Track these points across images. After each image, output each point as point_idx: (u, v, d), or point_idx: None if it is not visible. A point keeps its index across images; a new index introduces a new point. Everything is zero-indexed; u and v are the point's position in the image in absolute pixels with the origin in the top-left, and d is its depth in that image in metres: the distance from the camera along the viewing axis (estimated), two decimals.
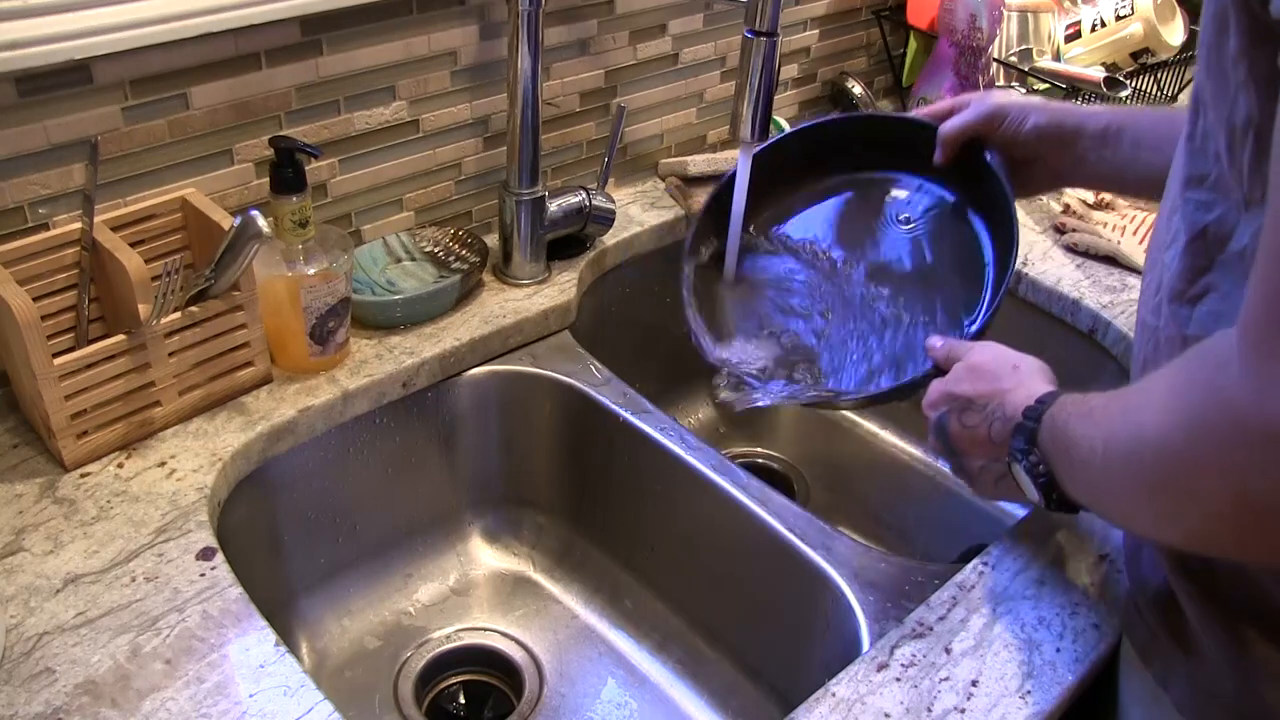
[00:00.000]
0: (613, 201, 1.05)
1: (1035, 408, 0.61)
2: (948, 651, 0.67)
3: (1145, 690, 0.63)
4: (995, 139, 0.82)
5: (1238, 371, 0.41)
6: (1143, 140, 0.76)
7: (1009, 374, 0.67)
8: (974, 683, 0.65)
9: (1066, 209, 1.16)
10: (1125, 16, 1.29)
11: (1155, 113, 0.79)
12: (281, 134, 0.86)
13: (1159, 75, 1.33)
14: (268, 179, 0.81)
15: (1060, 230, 1.12)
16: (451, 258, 0.99)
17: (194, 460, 0.78)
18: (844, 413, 1.25)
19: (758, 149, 0.89)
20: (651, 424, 0.89)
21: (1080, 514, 0.78)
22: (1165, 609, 0.61)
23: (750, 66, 0.87)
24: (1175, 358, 0.48)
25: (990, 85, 1.14)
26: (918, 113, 0.88)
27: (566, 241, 1.04)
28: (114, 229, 0.78)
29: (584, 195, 1.03)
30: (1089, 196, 1.18)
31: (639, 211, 1.13)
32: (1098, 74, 1.21)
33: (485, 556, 1.02)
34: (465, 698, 0.93)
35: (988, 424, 0.66)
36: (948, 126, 0.83)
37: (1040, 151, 0.81)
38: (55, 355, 0.72)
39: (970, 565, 0.74)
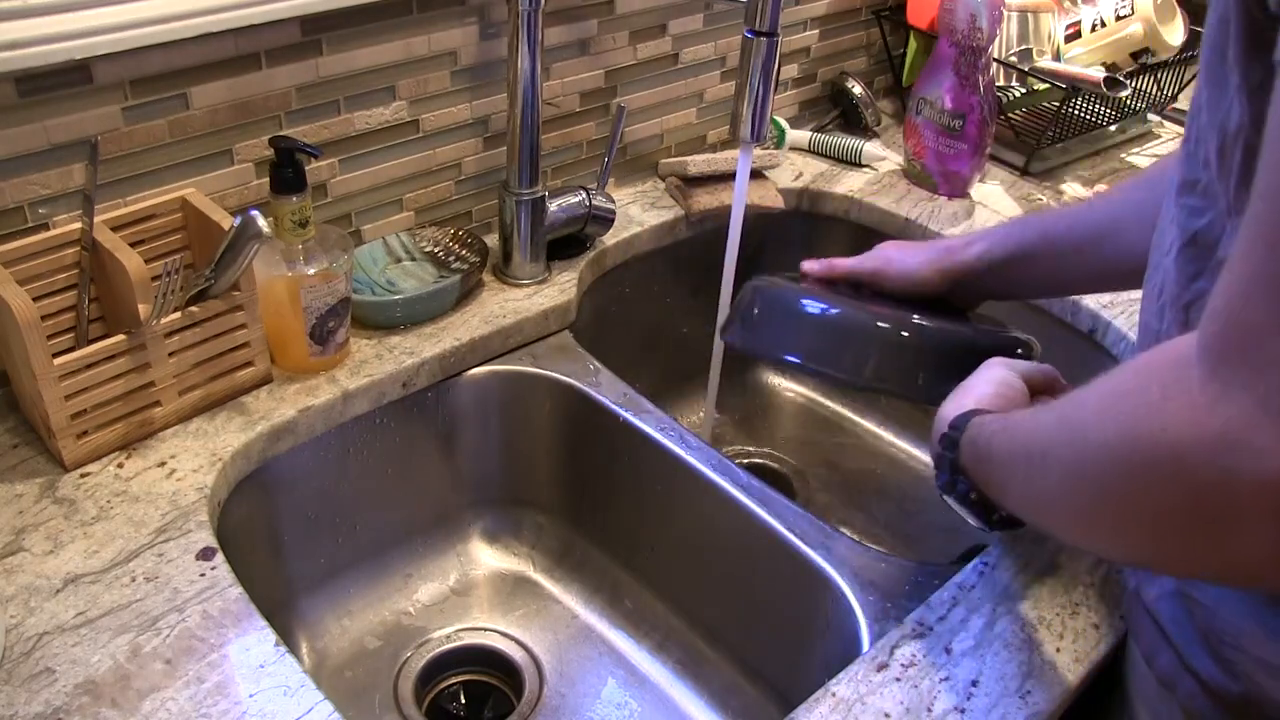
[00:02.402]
0: (613, 201, 1.05)
1: (950, 435, 0.61)
2: (948, 651, 0.67)
3: (1151, 690, 0.63)
4: (878, 287, 0.84)
5: (1195, 381, 0.38)
6: (1027, 264, 0.78)
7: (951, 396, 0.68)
8: (974, 683, 0.65)
9: None
10: (1125, 16, 1.29)
11: (1038, 228, 0.79)
12: (281, 134, 0.86)
13: (1159, 75, 1.33)
14: (268, 179, 0.81)
15: None
16: (451, 258, 0.99)
17: (194, 460, 0.78)
18: (844, 412, 1.25)
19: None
20: (651, 424, 0.89)
21: None
22: (1171, 608, 0.61)
23: (750, 66, 0.87)
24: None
25: (990, 85, 1.14)
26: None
27: (566, 241, 1.04)
28: (114, 229, 0.78)
29: (584, 195, 1.03)
30: (1089, 196, 1.18)
31: (639, 211, 1.13)
32: (1098, 74, 1.21)
33: (485, 556, 1.02)
34: (465, 698, 0.93)
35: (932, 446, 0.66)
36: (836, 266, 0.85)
37: (929, 295, 0.83)
38: (55, 355, 0.72)
39: (970, 565, 0.74)
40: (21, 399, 0.80)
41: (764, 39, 0.86)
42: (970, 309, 0.85)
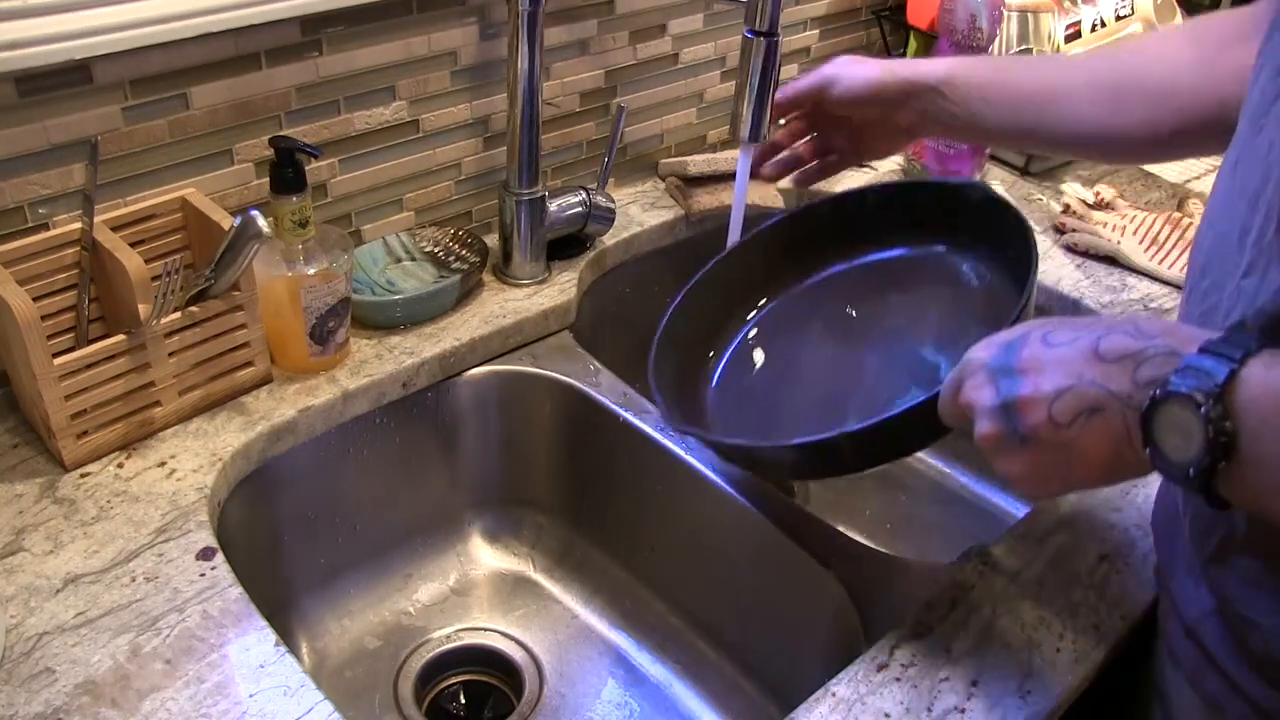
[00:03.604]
0: (613, 201, 1.05)
1: (1224, 346, 0.44)
2: (948, 651, 0.67)
3: (1197, 713, 0.62)
4: (830, 106, 0.81)
5: None
6: (980, 93, 0.75)
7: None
8: (974, 683, 0.65)
9: (1066, 209, 1.16)
10: (1125, 16, 1.29)
11: (994, 64, 0.76)
12: (281, 134, 0.86)
13: None
14: (268, 179, 0.81)
15: (1060, 230, 1.12)
16: (451, 258, 0.99)
17: (194, 460, 0.78)
18: None
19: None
20: (651, 424, 0.89)
21: (1080, 514, 0.79)
22: (1216, 629, 0.60)
23: (750, 66, 0.87)
24: None
25: None
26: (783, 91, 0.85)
27: (566, 241, 1.04)
28: (114, 229, 0.78)
29: (584, 195, 1.03)
30: (1089, 196, 1.18)
31: (639, 211, 1.13)
32: None
33: (485, 556, 1.02)
34: (465, 698, 0.93)
35: (1093, 338, 0.49)
36: (779, 96, 0.83)
37: (878, 113, 0.80)
38: (55, 355, 0.72)
39: (970, 565, 0.74)
40: (21, 399, 0.80)
41: (764, 39, 0.85)
42: (914, 138, 0.84)
